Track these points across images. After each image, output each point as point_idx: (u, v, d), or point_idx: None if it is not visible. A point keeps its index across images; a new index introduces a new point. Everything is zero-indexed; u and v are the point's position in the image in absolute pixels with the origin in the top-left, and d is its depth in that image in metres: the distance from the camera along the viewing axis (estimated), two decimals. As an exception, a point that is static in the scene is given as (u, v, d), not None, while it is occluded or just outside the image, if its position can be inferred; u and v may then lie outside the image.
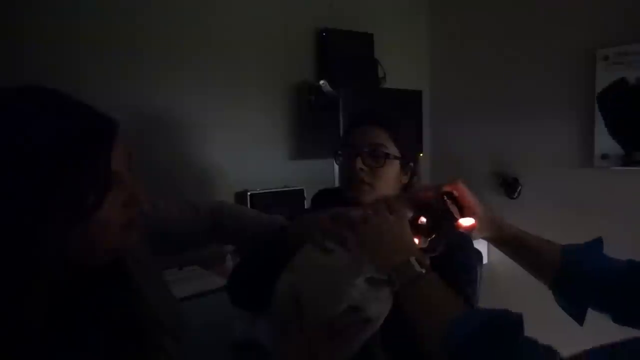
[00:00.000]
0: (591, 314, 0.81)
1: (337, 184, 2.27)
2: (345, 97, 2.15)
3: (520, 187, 2.56)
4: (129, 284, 0.67)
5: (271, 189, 2.18)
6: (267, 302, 0.73)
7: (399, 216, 0.75)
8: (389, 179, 1.01)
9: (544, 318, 1.37)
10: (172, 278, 1.61)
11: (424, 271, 0.66)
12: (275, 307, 0.72)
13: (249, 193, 2.08)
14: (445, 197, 0.80)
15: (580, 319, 0.81)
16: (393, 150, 1.01)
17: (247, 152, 2.20)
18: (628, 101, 0.69)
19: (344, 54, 2.39)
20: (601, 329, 0.85)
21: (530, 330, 0.55)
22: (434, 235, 0.79)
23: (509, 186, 2.59)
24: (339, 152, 1.06)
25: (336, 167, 2.28)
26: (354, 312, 0.65)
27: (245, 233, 0.93)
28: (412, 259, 0.67)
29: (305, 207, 2.21)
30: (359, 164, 0.99)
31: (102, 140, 0.56)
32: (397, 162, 1.02)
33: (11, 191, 0.50)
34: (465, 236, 1.09)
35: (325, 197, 1.13)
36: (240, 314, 1.56)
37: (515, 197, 2.57)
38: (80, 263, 0.59)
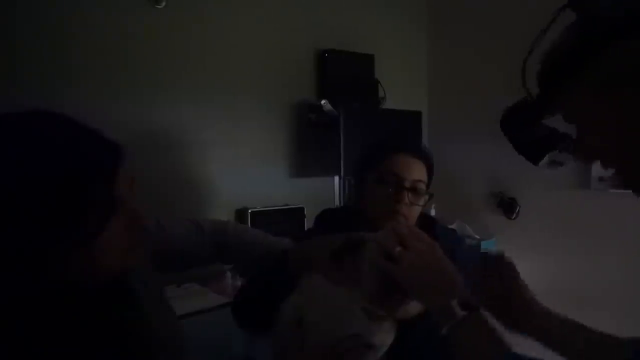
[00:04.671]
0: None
1: (337, 202, 2.31)
2: (345, 117, 2.18)
3: (518, 208, 2.57)
4: (132, 303, 0.68)
5: (272, 206, 2.18)
6: (271, 324, 0.73)
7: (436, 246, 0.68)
8: (419, 211, 1.02)
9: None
10: (170, 295, 1.60)
11: (464, 314, 0.61)
12: (278, 328, 0.72)
13: (249, 211, 2.09)
14: None
15: None
16: (427, 184, 1.02)
17: (247, 169, 2.21)
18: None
19: (345, 74, 2.43)
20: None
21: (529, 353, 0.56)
22: None
23: (508, 206, 2.60)
24: (367, 175, 1.03)
25: (336, 185, 2.33)
26: (357, 338, 0.66)
27: (250, 254, 0.93)
28: (454, 303, 0.61)
29: (305, 224, 2.22)
30: (405, 199, 0.97)
31: (107, 165, 0.57)
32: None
33: (17, 214, 0.51)
34: (467, 257, 1.11)
35: (329, 217, 1.13)
36: (238, 333, 1.55)
37: (513, 217, 2.58)
38: (84, 284, 0.59)
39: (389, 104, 2.55)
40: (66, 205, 0.53)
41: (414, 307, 0.71)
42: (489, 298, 0.79)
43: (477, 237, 2.60)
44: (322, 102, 2.20)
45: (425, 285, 0.64)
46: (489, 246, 2.56)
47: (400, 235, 0.67)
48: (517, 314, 0.79)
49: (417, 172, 1.00)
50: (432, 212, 2.46)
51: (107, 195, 0.56)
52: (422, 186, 1.01)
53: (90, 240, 0.55)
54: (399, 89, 2.69)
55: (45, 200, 0.52)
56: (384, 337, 0.68)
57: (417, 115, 2.54)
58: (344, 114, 2.17)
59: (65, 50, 1.72)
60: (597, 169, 2.20)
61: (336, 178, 2.31)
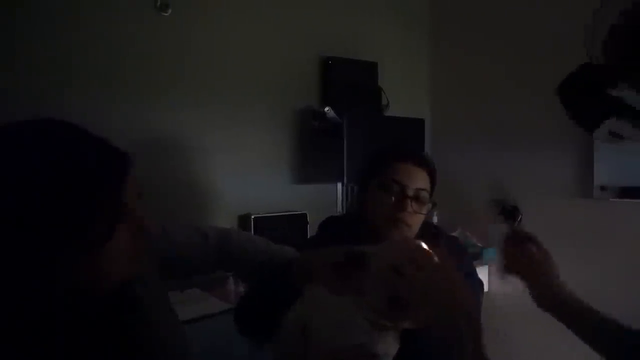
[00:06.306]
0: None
1: (340, 209, 2.31)
2: (349, 124, 2.19)
3: (520, 216, 2.56)
4: (137, 309, 0.68)
5: (274, 212, 2.19)
6: (273, 333, 0.74)
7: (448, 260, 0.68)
8: (422, 220, 1.03)
9: (544, 348, 1.37)
10: (172, 300, 1.60)
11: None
12: (281, 335, 0.73)
13: (252, 216, 2.10)
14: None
15: None
16: (430, 193, 1.03)
17: (250, 175, 2.22)
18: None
19: (349, 82, 2.44)
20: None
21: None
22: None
23: (509, 214, 2.59)
24: (370, 183, 1.03)
25: (339, 192, 2.33)
26: (360, 347, 0.66)
27: (253, 263, 0.93)
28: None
29: (308, 230, 2.22)
30: (408, 207, 0.98)
31: (114, 174, 0.58)
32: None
33: (24, 221, 0.52)
34: (469, 264, 1.11)
35: (333, 225, 1.13)
36: (240, 339, 1.55)
37: (515, 225, 2.57)
38: (89, 290, 0.60)
39: (392, 111, 2.55)
40: (73, 213, 0.53)
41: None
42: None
43: (479, 244, 2.60)
44: (326, 109, 2.21)
45: (435, 304, 0.63)
46: (490, 254, 2.56)
47: (411, 251, 0.67)
48: (544, 289, 0.83)
49: (420, 180, 1.01)
50: (434, 220, 2.46)
51: (114, 204, 0.57)
52: (425, 194, 1.01)
53: (96, 248, 0.56)
54: (402, 97, 2.70)
55: (53, 208, 0.52)
56: (388, 346, 0.68)
57: (419, 122, 2.55)
58: (347, 121, 2.18)
59: (70, 56, 1.73)
60: (599, 177, 2.21)
61: (339, 185, 2.32)
